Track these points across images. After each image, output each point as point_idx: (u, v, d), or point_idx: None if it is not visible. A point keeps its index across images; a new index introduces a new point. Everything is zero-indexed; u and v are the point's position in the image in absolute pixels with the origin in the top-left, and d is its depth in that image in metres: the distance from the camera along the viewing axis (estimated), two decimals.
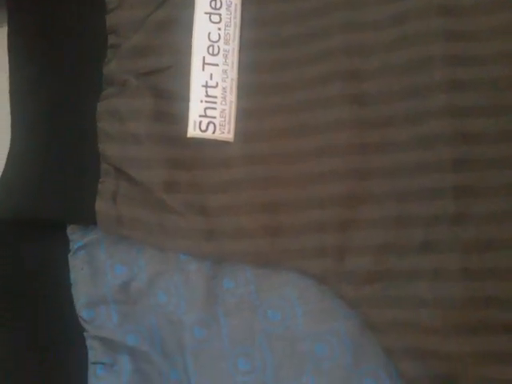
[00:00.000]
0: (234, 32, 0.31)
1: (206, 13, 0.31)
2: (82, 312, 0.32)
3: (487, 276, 0.26)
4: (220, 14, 0.31)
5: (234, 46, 0.31)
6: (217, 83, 0.30)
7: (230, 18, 0.31)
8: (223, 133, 0.30)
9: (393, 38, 0.29)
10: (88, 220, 0.31)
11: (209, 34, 0.31)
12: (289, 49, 0.31)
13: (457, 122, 0.27)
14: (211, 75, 0.30)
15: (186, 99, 0.30)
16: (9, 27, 0.33)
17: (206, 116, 0.30)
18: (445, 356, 0.26)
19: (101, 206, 0.31)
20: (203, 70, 0.30)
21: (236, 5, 0.31)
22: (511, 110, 0.27)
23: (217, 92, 0.30)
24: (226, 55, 0.31)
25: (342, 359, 0.29)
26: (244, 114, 0.31)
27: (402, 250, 0.28)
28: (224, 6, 0.31)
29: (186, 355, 0.31)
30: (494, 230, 0.27)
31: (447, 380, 0.27)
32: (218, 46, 0.31)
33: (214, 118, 0.30)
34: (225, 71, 0.31)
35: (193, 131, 0.30)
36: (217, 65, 0.31)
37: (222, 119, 0.30)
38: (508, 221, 0.26)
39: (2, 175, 0.32)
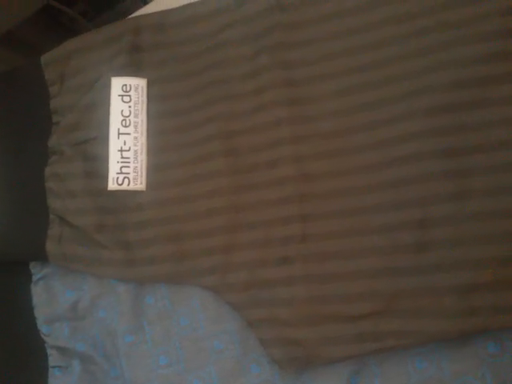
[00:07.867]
0: (141, 107, 0.41)
1: (119, 95, 0.41)
2: (42, 328, 0.42)
3: (326, 280, 0.35)
4: (130, 95, 0.41)
5: (142, 118, 0.41)
6: (129, 147, 0.40)
7: (138, 97, 0.41)
8: (136, 184, 0.40)
9: (253, 105, 0.38)
10: (43, 258, 0.41)
11: (122, 110, 0.41)
12: (182, 117, 0.40)
13: (300, 166, 0.37)
14: (125, 142, 0.40)
15: (106, 161, 0.40)
16: None
17: (121, 173, 0.40)
18: (298, 342, 0.35)
19: (50, 247, 0.41)
20: (118, 138, 0.40)
21: (143, 87, 0.41)
22: (338, 154, 0.36)
23: (130, 154, 0.40)
24: (136, 125, 0.41)
25: (234, 351, 0.38)
26: (153, 169, 0.40)
27: (266, 265, 0.37)
28: (133, 89, 0.41)
29: (120, 356, 0.40)
30: (329, 245, 0.35)
31: (303, 361, 0.35)
32: (130, 120, 0.41)
33: (128, 173, 0.40)
34: (136, 138, 0.41)
35: (112, 185, 0.40)
36: (129, 134, 0.41)
37: (135, 174, 0.40)
38: (338, 238, 0.35)
39: None
